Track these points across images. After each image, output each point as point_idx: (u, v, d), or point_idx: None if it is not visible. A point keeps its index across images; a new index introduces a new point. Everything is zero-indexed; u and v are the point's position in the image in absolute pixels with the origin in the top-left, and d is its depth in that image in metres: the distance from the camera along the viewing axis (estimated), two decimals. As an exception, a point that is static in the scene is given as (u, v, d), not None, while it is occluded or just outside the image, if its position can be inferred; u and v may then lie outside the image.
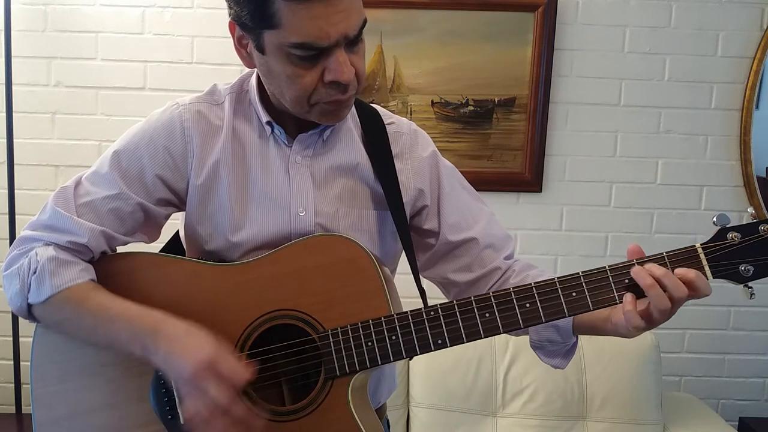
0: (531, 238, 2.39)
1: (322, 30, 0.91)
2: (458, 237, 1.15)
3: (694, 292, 0.92)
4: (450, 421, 2.10)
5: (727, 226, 0.93)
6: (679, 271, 0.92)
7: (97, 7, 2.24)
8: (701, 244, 0.94)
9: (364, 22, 0.96)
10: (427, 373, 2.14)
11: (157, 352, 0.96)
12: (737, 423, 2.44)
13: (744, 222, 0.94)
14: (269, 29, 0.93)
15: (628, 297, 0.93)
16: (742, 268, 0.93)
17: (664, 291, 0.91)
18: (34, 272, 1.01)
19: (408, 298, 1.12)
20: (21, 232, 1.08)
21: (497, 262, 1.15)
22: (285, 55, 0.95)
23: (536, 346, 1.13)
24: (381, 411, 1.24)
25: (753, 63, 2.30)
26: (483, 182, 2.27)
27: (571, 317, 1.03)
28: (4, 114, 2.15)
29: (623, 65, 2.31)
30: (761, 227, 0.92)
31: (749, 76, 2.30)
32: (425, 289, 1.14)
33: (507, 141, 2.32)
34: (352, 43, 0.96)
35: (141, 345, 0.97)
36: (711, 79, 2.32)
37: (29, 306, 1.04)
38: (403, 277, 1.18)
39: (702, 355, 2.47)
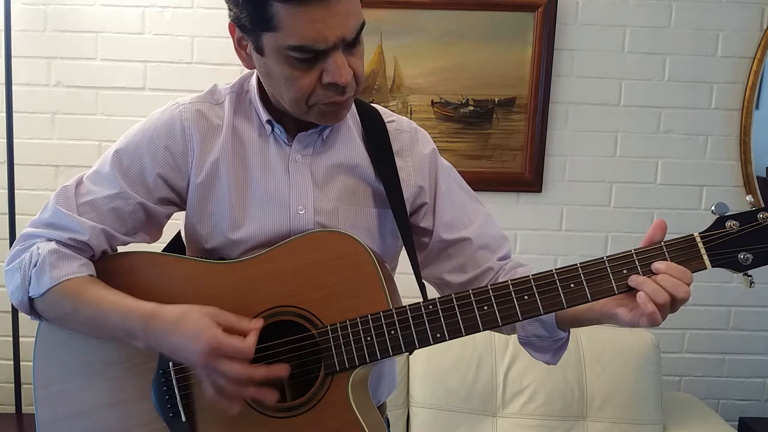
0: (531, 238, 2.38)
1: (319, 33, 0.92)
2: (452, 236, 1.15)
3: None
4: (450, 421, 2.10)
5: (726, 214, 0.93)
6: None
7: (97, 7, 2.24)
8: (699, 233, 0.93)
9: (363, 24, 0.97)
10: (427, 373, 2.14)
11: (160, 346, 0.98)
12: (737, 423, 2.43)
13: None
14: (268, 32, 0.94)
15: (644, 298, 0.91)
16: (741, 256, 0.92)
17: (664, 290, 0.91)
18: (35, 265, 1.02)
19: (408, 298, 1.11)
20: (22, 230, 1.08)
21: (491, 263, 1.15)
22: (283, 57, 0.95)
23: (524, 342, 1.12)
24: (381, 410, 1.24)
25: (753, 63, 2.30)
26: (483, 182, 2.27)
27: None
28: (4, 114, 2.15)
29: (623, 65, 2.31)
30: (760, 215, 0.92)
31: (749, 76, 2.30)
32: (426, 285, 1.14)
33: (507, 141, 2.32)
34: (351, 45, 0.96)
35: (139, 340, 0.99)
36: (711, 79, 2.32)
37: (30, 300, 1.04)
38: (403, 276, 1.18)
39: (702, 355, 2.47)
